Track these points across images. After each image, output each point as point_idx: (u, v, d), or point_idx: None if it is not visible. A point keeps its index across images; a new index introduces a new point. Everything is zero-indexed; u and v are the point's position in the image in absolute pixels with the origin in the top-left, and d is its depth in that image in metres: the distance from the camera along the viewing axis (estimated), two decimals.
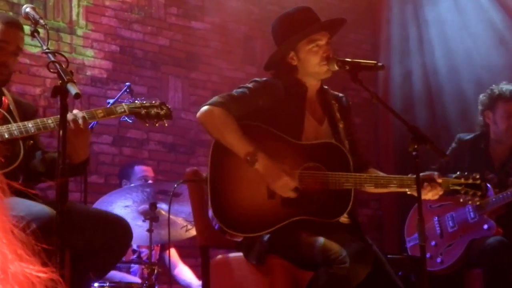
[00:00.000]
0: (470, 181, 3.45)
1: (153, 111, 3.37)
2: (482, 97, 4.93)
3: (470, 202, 3.54)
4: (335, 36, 3.55)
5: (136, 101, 3.38)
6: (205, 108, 3.27)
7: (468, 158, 4.75)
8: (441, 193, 3.36)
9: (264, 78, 3.45)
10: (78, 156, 3.09)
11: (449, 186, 3.41)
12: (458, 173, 3.48)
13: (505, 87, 4.85)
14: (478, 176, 3.47)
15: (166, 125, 3.44)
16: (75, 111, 3.05)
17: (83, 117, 3.03)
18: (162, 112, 3.39)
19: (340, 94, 3.64)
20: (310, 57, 3.39)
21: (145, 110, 3.34)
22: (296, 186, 3.18)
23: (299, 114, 3.40)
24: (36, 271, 1.09)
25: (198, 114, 3.28)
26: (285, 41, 3.42)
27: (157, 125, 3.41)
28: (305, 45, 3.39)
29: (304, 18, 3.46)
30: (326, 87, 3.58)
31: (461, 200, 3.65)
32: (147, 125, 3.40)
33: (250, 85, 3.39)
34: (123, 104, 3.32)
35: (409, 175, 3.33)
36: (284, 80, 3.44)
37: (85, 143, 3.11)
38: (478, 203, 3.51)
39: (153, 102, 3.41)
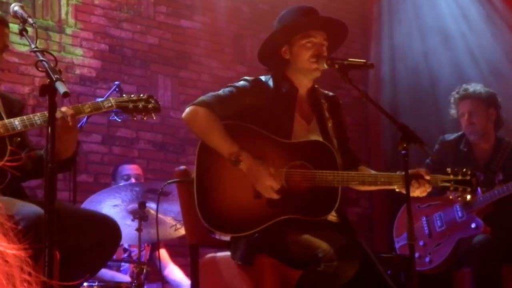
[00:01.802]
0: (460, 177, 3.42)
1: (141, 104, 3.35)
2: (451, 98, 5.01)
3: (459, 199, 3.54)
4: None
5: (123, 96, 3.36)
6: (189, 108, 3.30)
7: (452, 159, 4.76)
8: (429, 190, 3.34)
9: (254, 77, 3.45)
10: (66, 152, 3.08)
11: (438, 183, 3.39)
12: (448, 169, 3.46)
13: (459, 89, 4.94)
14: (469, 172, 3.45)
15: (154, 118, 3.42)
16: (63, 109, 3.04)
17: (72, 114, 3.02)
18: (150, 106, 3.37)
19: (330, 93, 3.64)
20: (301, 51, 3.39)
21: (132, 104, 3.32)
22: (280, 187, 3.18)
23: (289, 114, 3.39)
24: (9, 248, 1.09)
25: (183, 114, 3.31)
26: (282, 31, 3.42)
27: (145, 118, 3.39)
28: (299, 40, 3.39)
29: (304, 14, 3.46)
30: (316, 86, 3.58)
31: (451, 197, 3.66)
32: (135, 119, 3.38)
33: (238, 84, 3.40)
34: (110, 98, 3.30)
35: (398, 173, 3.32)
36: (275, 79, 3.44)
37: (73, 140, 3.10)
38: (468, 199, 3.49)
39: (141, 95, 3.40)
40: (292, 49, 3.42)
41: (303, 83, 3.47)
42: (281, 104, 3.39)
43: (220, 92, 3.37)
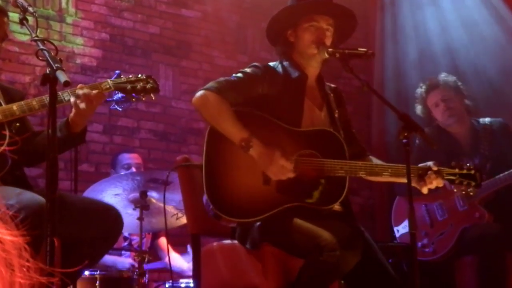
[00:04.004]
0: (465, 171, 3.42)
1: (139, 85, 3.31)
2: (416, 96, 5.04)
3: (463, 193, 3.55)
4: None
5: (121, 77, 3.34)
6: (200, 93, 3.27)
7: (437, 152, 4.76)
8: (441, 184, 3.35)
9: (264, 64, 3.44)
10: (82, 125, 3.12)
11: (443, 176, 3.37)
12: (452, 163, 3.46)
13: (428, 79, 5.00)
14: (472, 166, 3.45)
15: (153, 98, 3.39)
16: (85, 90, 3.04)
17: (96, 94, 3.04)
18: (148, 86, 3.33)
19: (333, 85, 3.63)
20: (304, 35, 3.39)
21: (130, 85, 3.30)
22: (290, 172, 3.18)
23: (299, 101, 3.38)
24: (7, 234, 1.10)
25: (193, 99, 3.28)
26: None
27: (143, 99, 3.36)
28: (304, 23, 3.39)
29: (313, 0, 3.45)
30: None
31: (455, 190, 3.66)
32: (134, 100, 3.35)
33: (249, 70, 3.38)
34: (108, 80, 3.28)
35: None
36: (284, 65, 3.44)
37: (89, 115, 3.12)
38: (472, 193, 3.49)
39: (139, 76, 3.38)
40: (297, 31, 3.42)
41: (311, 69, 3.45)
42: (291, 91, 3.38)
43: (231, 78, 3.35)
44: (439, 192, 4.66)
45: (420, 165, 3.32)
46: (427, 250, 4.71)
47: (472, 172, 3.43)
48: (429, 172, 3.28)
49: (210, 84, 3.29)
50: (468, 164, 3.47)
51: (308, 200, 3.23)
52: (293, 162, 3.20)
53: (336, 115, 3.49)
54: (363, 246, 3.11)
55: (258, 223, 3.21)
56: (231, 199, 3.20)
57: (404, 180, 3.19)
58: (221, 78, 3.35)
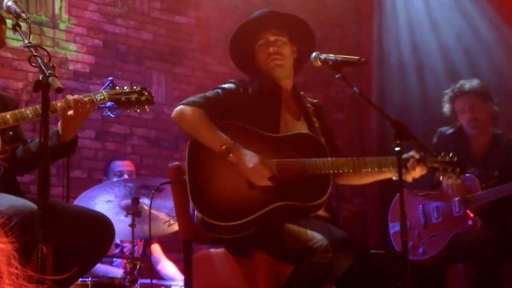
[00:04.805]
0: (447, 159, 3.44)
1: (134, 97, 3.32)
2: (445, 95, 5.03)
3: (450, 181, 3.52)
4: (319, 31, 3.57)
5: (116, 88, 3.35)
6: (178, 108, 3.38)
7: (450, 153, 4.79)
8: (424, 171, 3.37)
9: (239, 79, 3.56)
10: (72, 134, 3.12)
11: (427, 164, 3.38)
12: (433, 152, 3.47)
13: (454, 87, 4.97)
14: (455, 158, 3.46)
15: (147, 110, 3.41)
16: (76, 96, 3.05)
17: (85, 102, 3.05)
18: (143, 98, 3.34)
19: (315, 100, 3.74)
20: (258, 56, 3.55)
21: (125, 97, 3.30)
22: (271, 174, 3.20)
23: (275, 109, 3.47)
24: None
25: (173, 114, 3.40)
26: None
27: (138, 111, 3.37)
28: (254, 45, 3.56)
29: (251, 23, 3.61)
30: (302, 93, 3.67)
31: (441, 178, 3.66)
32: (128, 111, 3.37)
33: (225, 86, 3.49)
34: (103, 91, 3.28)
35: (388, 158, 3.34)
36: (259, 79, 3.54)
37: (79, 125, 3.14)
38: (458, 181, 3.51)
39: (134, 87, 3.38)
40: (254, 54, 3.58)
41: (283, 82, 3.55)
42: (267, 100, 3.47)
43: (207, 93, 3.46)
44: (438, 195, 4.68)
45: (404, 156, 3.32)
46: (417, 250, 4.73)
47: (455, 159, 3.45)
48: (411, 160, 3.31)
49: (187, 99, 3.41)
50: (449, 154, 3.47)
51: (294, 198, 3.23)
52: (275, 164, 3.23)
53: (316, 125, 3.54)
54: (356, 250, 3.11)
55: (248, 231, 3.21)
56: (217, 205, 3.23)
57: (389, 176, 3.33)
58: (198, 95, 3.46)
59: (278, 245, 3.18)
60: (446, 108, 5.02)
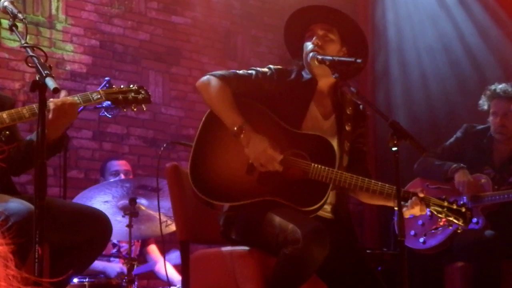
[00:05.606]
0: (455, 206, 3.27)
1: (131, 95, 3.31)
2: (486, 91, 5.03)
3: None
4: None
5: (113, 87, 3.34)
6: (205, 77, 3.36)
7: (470, 150, 4.86)
8: (424, 212, 3.21)
9: (280, 67, 3.48)
10: (56, 133, 3.03)
11: (430, 205, 3.24)
12: (444, 196, 3.38)
13: (496, 86, 4.95)
14: (465, 205, 3.30)
15: (145, 109, 3.40)
16: (62, 94, 2.99)
17: (70, 103, 2.98)
18: (140, 97, 3.32)
19: (361, 105, 3.59)
20: (304, 45, 3.46)
21: (122, 95, 3.29)
22: (273, 165, 3.18)
23: (303, 104, 3.40)
24: None
25: (198, 82, 3.37)
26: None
27: (135, 110, 3.36)
28: (305, 33, 3.48)
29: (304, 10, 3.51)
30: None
31: (441, 223, 3.63)
32: (125, 110, 3.36)
33: (260, 69, 3.44)
34: (100, 90, 3.27)
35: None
36: (298, 70, 3.49)
37: (65, 125, 3.07)
38: (459, 230, 3.41)
39: (131, 86, 3.37)
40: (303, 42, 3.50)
41: (322, 77, 3.45)
42: (298, 93, 3.41)
43: (239, 71, 3.42)
44: (449, 189, 4.69)
45: (410, 189, 3.26)
46: (418, 239, 4.74)
47: (463, 210, 3.27)
48: (414, 197, 3.17)
49: (217, 72, 3.37)
50: (462, 202, 3.41)
51: (287, 198, 3.21)
52: (280, 158, 3.21)
53: (348, 128, 3.45)
54: (329, 240, 3.02)
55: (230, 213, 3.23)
56: (211, 180, 3.24)
57: (389, 203, 3.22)
58: (231, 70, 3.43)
59: (260, 237, 3.18)
60: (483, 103, 5.00)
